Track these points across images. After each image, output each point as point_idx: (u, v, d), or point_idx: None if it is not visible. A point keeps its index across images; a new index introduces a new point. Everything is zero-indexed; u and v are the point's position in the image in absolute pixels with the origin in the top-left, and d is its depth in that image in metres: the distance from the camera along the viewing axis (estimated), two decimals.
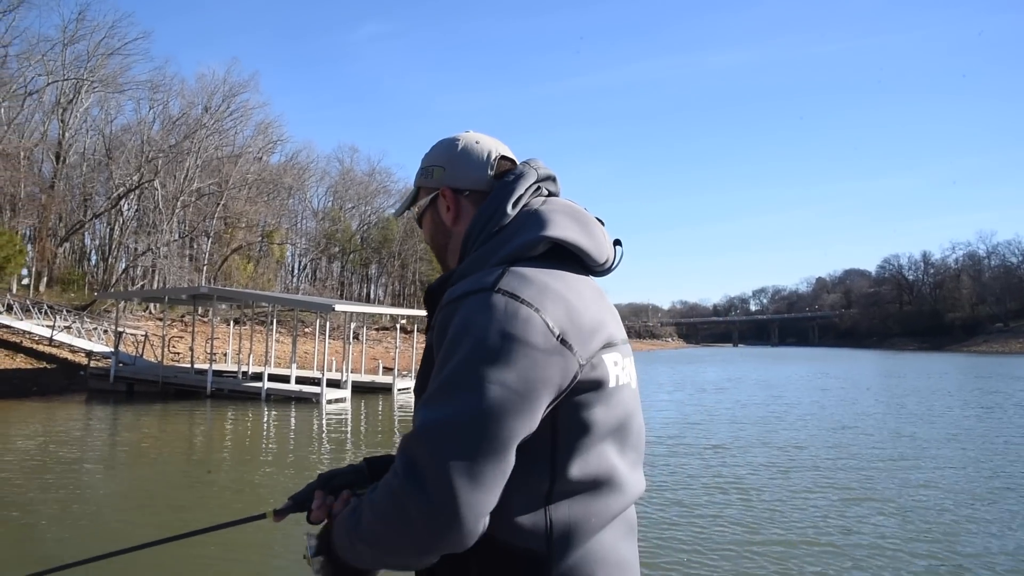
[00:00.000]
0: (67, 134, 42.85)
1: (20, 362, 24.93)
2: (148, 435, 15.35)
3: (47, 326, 27.12)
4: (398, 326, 29.49)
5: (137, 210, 46.42)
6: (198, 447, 14.19)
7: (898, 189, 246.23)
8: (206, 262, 47.11)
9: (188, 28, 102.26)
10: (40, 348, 26.34)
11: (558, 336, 0.94)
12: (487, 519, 0.90)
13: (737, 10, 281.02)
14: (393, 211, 1.48)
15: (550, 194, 1.20)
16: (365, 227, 65.51)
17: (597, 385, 1.00)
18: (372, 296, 66.37)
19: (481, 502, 0.88)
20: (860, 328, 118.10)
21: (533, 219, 1.09)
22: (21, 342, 26.28)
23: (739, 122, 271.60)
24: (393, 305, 55.09)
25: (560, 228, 1.08)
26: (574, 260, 1.10)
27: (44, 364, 25.38)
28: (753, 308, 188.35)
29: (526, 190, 1.14)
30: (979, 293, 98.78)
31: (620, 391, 1.05)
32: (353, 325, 27.21)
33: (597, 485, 1.02)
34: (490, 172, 1.19)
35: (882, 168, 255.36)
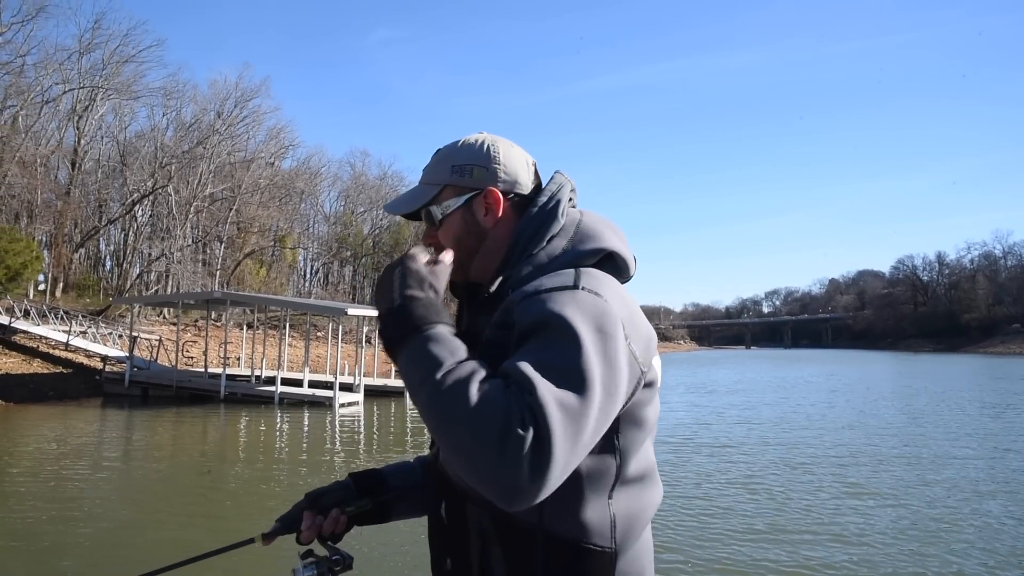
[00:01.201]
0: (82, 141, 43.36)
1: (37, 367, 25.20)
2: (162, 440, 15.47)
3: (63, 331, 27.41)
4: None
5: (151, 216, 46.86)
6: (211, 452, 14.27)
7: (911, 189, 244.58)
8: (219, 267, 47.47)
9: (201, 34, 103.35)
10: (56, 353, 26.61)
11: (627, 341, 0.95)
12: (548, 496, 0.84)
13: (743, 13, 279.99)
14: (392, 207, 1.28)
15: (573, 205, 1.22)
16: (377, 231, 65.75)
17: (651, 384, 1.03)
18: None
19: (562, 476, 0.83)
20: (874, 330, 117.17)
21: (586, 229, 1.12)
22: (38, 347, 26.58)
23: (752, 124, 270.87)
24: None
25: (611, 239, 1.12)
26: (614, 270, 1.11)
27: (60, 369, 25.63)
28: (766, 310, 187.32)
29: (567, 199, 1.15)
30: (995, 293, 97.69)
31: (658, 390, 1.08)
32: (366, 329, 27.27)
33: (646, 479, 1.06)
34: (532, 178, 1.19)
35: (894, 168, 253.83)
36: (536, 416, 0.81)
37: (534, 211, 1.12)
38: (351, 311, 24.85)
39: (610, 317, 0.93)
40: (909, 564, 6.65)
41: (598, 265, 1.08)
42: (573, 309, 0.91)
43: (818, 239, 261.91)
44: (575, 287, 0.96)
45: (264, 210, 50.81)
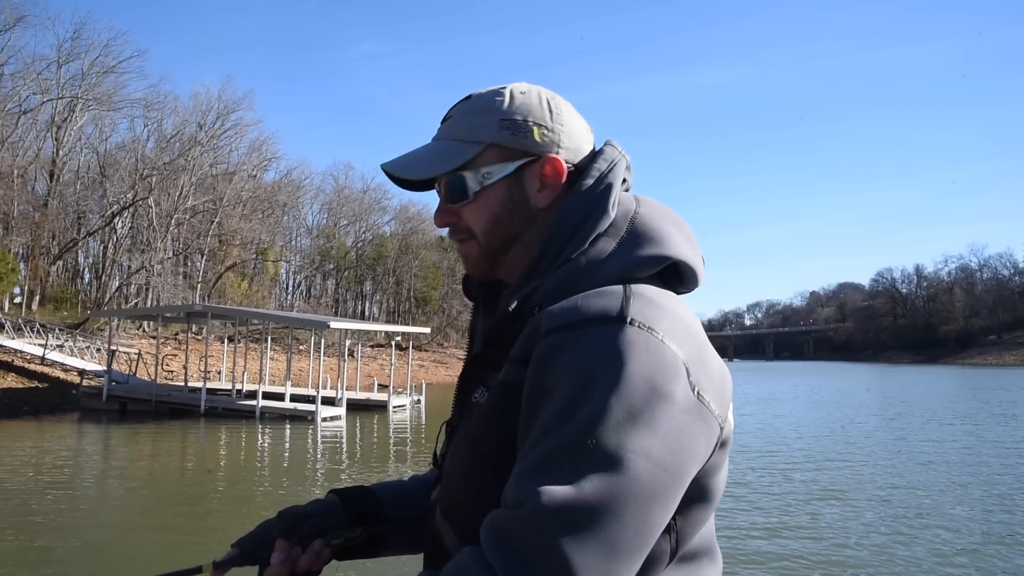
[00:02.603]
0: (61, 152, 42.82)
1: (12, 381, 24.68)
2: (140, 455, 15.19)
3: (39, 345, 26.92)
4: (393, 343, 29.36)
5: (131, 228, 46.26)
6: (191, 467, 14.02)
7: (889, 201, 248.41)
8: (200, 280, 46.92)
9: (183, 47, 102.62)
10: (32, 367, 26.10)
11: (695, 390, 0.72)
12: None
13: (730, 23, 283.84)
14: (400, 167, 0.89)
15: (626, 187, 0.94)
16: (360, 244, 65.42)
17: (724, 444, 0.78)
18: (367, 313, 66.12)
19: None
20: (855, 342, 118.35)
21: (643, 227, 0.85)
22: (13, 361, 26.02)
23: (730, 138, 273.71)
24: (388, 322, 54.91)
25: (676, 243, 0.85)
26: (677, 281, 0.87)
27: (36, 383, 25.13)
28: (748, 322, 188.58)
29: (620, 182, 0.88)
30: (972, 306, 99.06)
31: (729, 449, 0.82)
32: (348, 342, 27.07)
33: (703, 556, 0.83)
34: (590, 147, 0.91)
35: (873, 180, 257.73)
36: (533, 564, 0.64)
37: (577, 197, 0.85)
38: (334, 324, 24.69)
39: (667, 369, 0.70)
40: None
41: (657, 277, 0.84)
42: (610, 357, 0.69)
43: (799, 251, 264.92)
44: (621, 319, 0.72)
45: (246, 223, 50.39)
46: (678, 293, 0.86)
